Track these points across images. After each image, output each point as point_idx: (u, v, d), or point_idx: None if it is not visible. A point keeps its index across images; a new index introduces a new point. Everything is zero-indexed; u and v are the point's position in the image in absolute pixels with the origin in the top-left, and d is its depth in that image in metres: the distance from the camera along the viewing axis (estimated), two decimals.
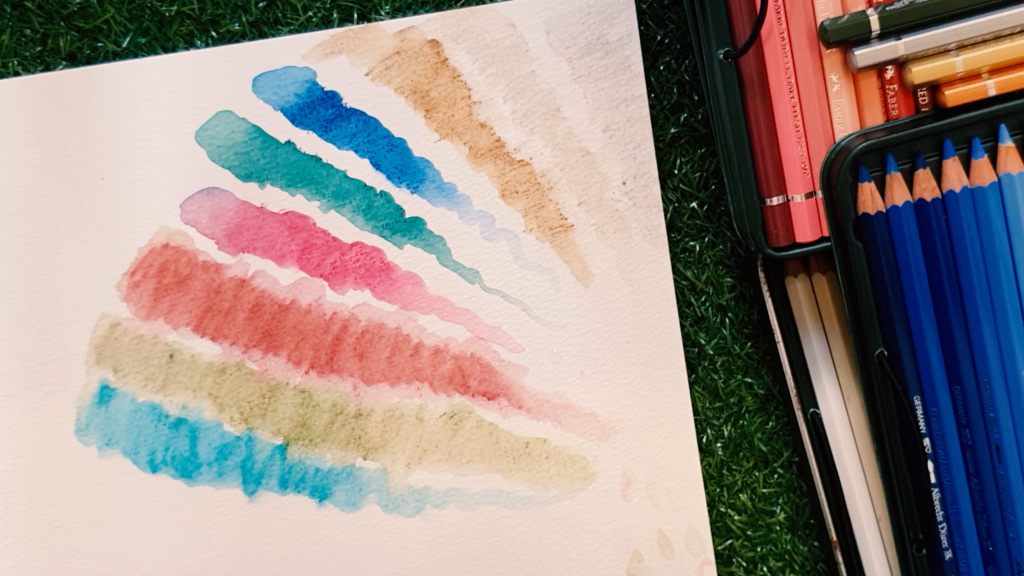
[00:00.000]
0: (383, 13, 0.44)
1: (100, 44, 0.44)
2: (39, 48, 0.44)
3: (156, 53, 0.44)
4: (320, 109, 0.43)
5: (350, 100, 0.43)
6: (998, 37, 0.40)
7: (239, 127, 0.43)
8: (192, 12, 0.44)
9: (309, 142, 0.43)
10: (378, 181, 0.43)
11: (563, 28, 0.43)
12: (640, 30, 0.45)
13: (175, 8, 0.44)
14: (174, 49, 0.44)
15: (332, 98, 0.43)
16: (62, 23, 0.44)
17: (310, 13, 0.44)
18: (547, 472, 0.44)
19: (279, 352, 0.43)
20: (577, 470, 0.44)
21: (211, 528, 0.43)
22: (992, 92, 0.40)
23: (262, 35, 0.44)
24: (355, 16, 0.44)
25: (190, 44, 0.44)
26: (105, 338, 0.43)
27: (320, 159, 0.43)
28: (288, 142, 0.43)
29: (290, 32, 0.44)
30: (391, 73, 0.43)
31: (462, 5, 0.44)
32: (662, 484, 0.44)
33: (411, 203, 0.44)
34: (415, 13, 0.44)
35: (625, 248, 0.44)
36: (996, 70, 0.40)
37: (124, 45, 0.44)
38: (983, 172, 0.40)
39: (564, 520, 0.44)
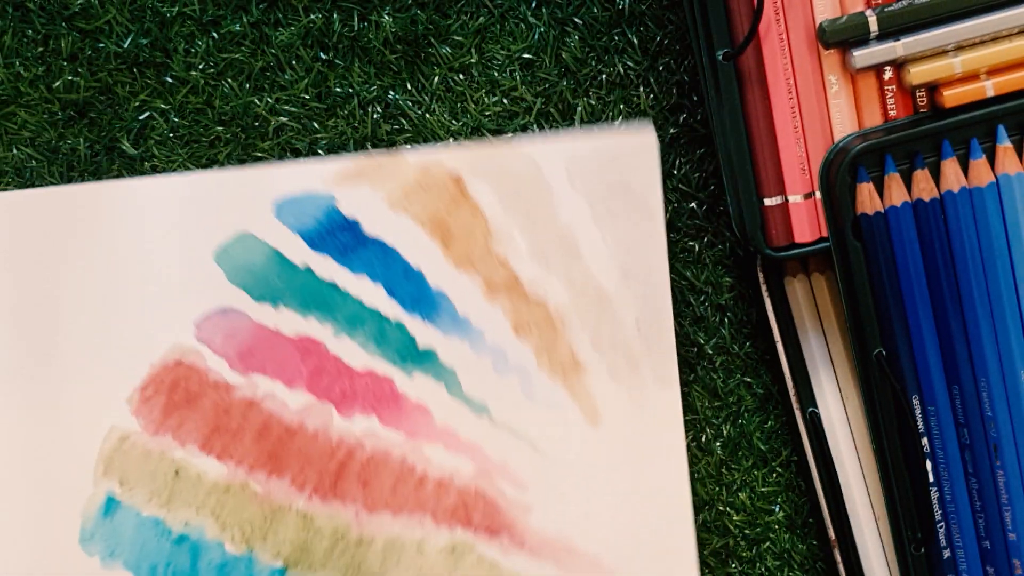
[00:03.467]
0: (384, 15, 0.44)
1: (102, 45, 0.44)
2: (40, 49, 0.44)
3: (157, 56, 0.44)
4: (339, 235, 0.43)
5: (369, 228, 0.43)
6: (996, 38, 0.40)
7: (259, 249, 0.43)
8: (193, 13, 0.44)
9: (326, 267, 0.43)
10: (392, 310, 0.43)
11: (585, 169, 0.43)
12: (639, 30, 0.45)
13: (176, 9, 0.44)
14: (175, 52, 0.44)
15: (352, 225, 0.43)
16: (63, 24, 0.44)
17: (311, 16, 0.44)
18: None
19: (283, 475, 0.43)
20: None
21: None
22: (990, 93, 0.40)
23: (263, 36, 0.44)
24: (355, 17, 0.44)
25: (191, 45, 0.44)
26: (114, 450, 0.43)
27: (336, 285, 0.43)
28: (306, 267, 0.43)
29: (291, 34, 0.44)
30: (411, 203, 0.43)
31: (463, 7, 0.44)
32: None
33: (424, 333, 0.43)
34: (414, 15, 0.44)
35: (636, 390, 0.43)
36: (994, 71, 0.40)
37: (125, 46, 0.44)
38: (981, 173, 0.40)
39: None
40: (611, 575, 0.43)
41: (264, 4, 0.44)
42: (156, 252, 0.43)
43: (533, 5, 0.44)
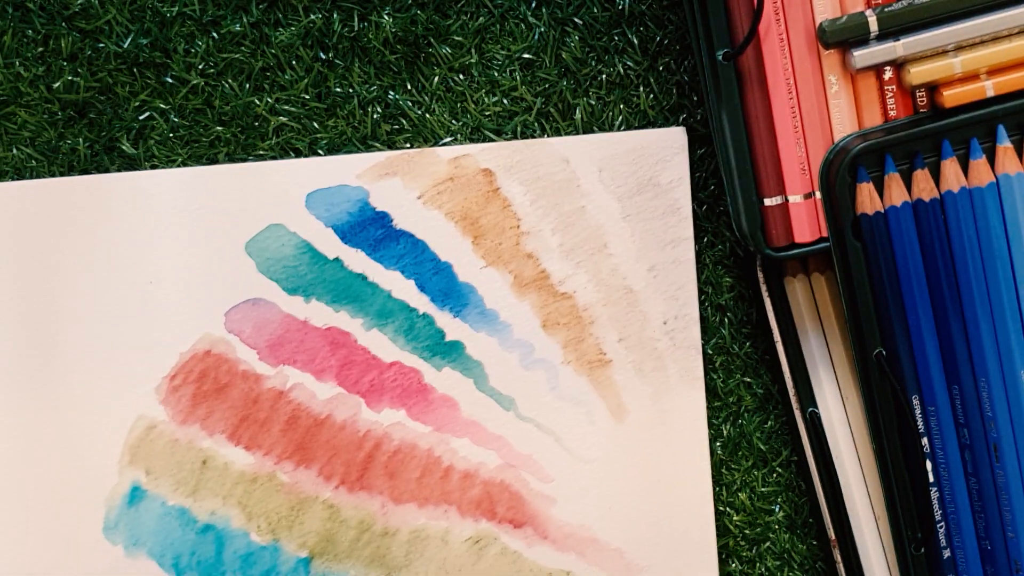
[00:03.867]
0: (384, 14, 0.44)
1: (102, 45, 0.44)
2: (40, 49, 0.44)
3: (157, 56, 0.44)
4: (370, 229, 0.44)
5: (400, 222, 0.44)
6: (996, 38, 0.40)
7: (289, 241, 0.44)
8: (193, 13, 0.44)
9: (357, 260, 0.44)
10: (422, 303, 0.44)
11: (615, 167, 0.44)
12: (639, 31, 0.45)
13: (176, 9, 0.44)
14: (175, 52, 0.44)
15: (383, 219, 0.44)
16: (64, 24, 0.44)
17: (311, 16, 0.44)
18: None
19: (311, 465, 0.44)
20: None
21: None
22: (990, 93, 0.40)
23: (263, 36, 0.44)
24: (355, 17, 0.44)
25: (191, 45, 0.44)
26: (140, 439, 0.43)
27: (366, 278, 0.44)
28: (336, 259, 0.44)
29: (291, 34, 0.44)
30: (443, 198, 0.44)
31: (463, 7, 0.44)
32: None
33: (452, 327, 0.44)
34: (414, 15, 0.44)
35: (661, 388, 0.44)
36: (994, 71, 0.40)
37: (125, 46, 0.44)
38: (981, 173, 0.40)
39: None
40: (633, 568, 0.44)
41: (264, 4, 0.44)
42: (188, 242, 0.43)
43: (533, 5, 0.44)
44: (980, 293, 0.40)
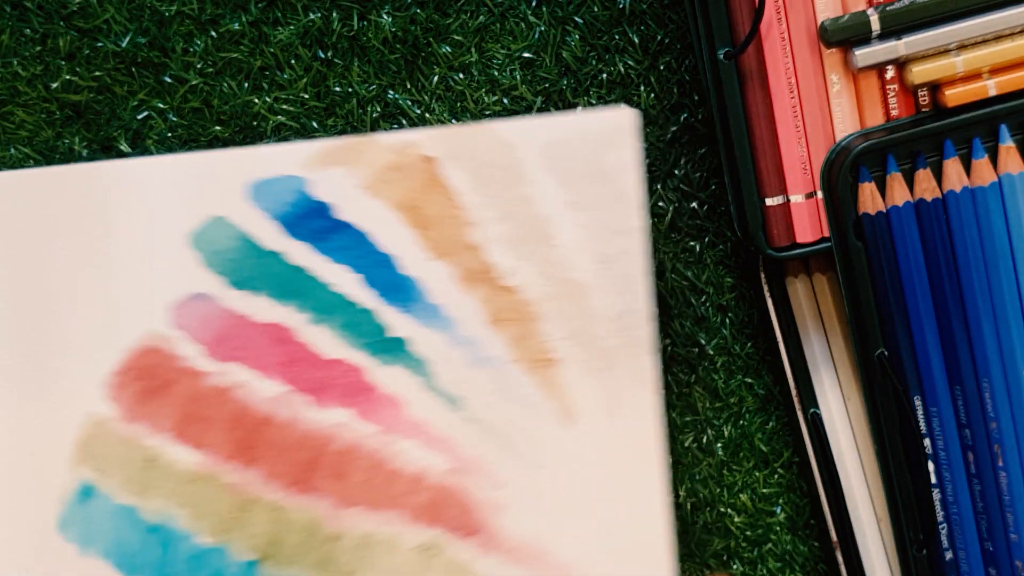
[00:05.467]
0: (384, 14, 0.44)
1: (100, 44, 0.44)
2: (38, 48, 0.44)
3: (155, 55, 0.44)
4: (313, 220, 0.42)
5: (343, 213, 0.42)
6: (998, 37, 0.40)
7: (232, 234, 0.42)
8: (192, 12, 0.44)
9: (300, 253, 0.42)
10: (365, 297, 0.42)
11: (561, 152, 0.41)
12: (640, 29, 0.45)
13: (175, 8, 0.44)
14: (173, 51, 0.44)
15: (325, 209, 0.42)
16: (62, 23, 0.44)
17: (311, 15, 0.44)
18: None
19: (256, 466, 0.42)
20: None
21: None
22: (992, 92, 0.40)
23: (261, 35, 0.44)
24: (355, 16, 0.44)
25: (189, 44, 0.44)
26: (90, 436, 0.42)
27: (309, 271, 0.42)
28: (278, 252, 0.42)
29: (291, 33, 0.44)
30: (387, 187, 0.42)
31: (462, 7, 0.44)
32: None
33: (398, 322, 0.42)
34: (414, 14, 0.44)
35: (612, 389, 0.42)
36: (996, 70, 0.40)
37: (124, 45, 0.44)
38: (983, 172, 0.40)
39: None
40: None
41: (263, 3, 0.44)
42: (131, 235, 0.42)
43: (533, 4, 0.44)
44: (982, 293, 0.40)
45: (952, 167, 0.40)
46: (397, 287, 0.42)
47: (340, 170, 0.42)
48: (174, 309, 0.42)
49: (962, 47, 0.40)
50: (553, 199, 0.41)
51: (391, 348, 0.42)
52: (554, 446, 0.42)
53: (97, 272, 0.42)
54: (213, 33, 0.44)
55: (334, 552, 0.43)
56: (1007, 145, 0.40)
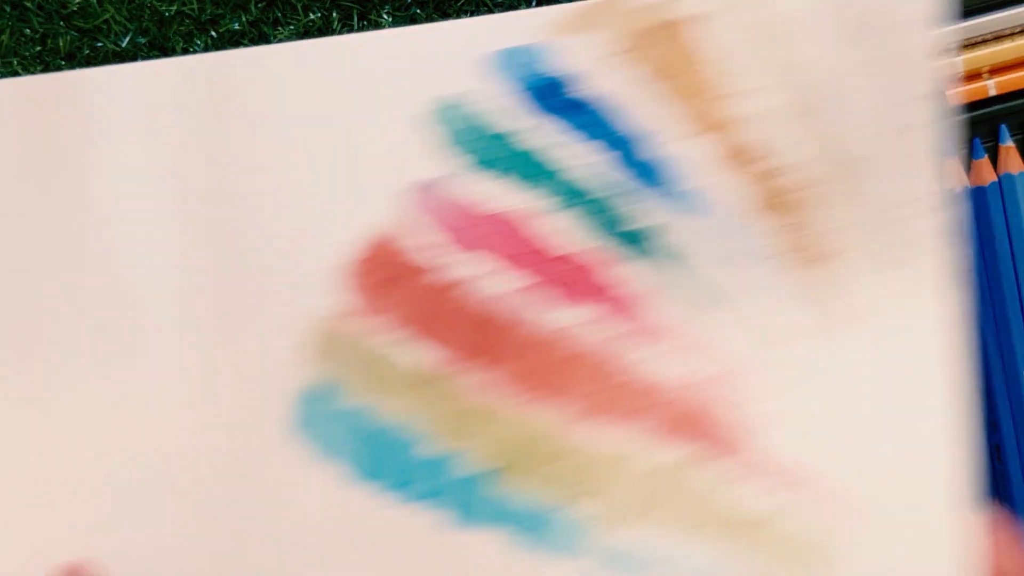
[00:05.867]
0: (384, 14, 0.44)
1: (100, 44, 0.44)
2: (39, 48, 0.44)
3: (155, 55, 0.44)
4: (557, 94, 0.38)
5: (591, 85, 0.38)
6: (998, 37, 0.40)
7: (470, 112, 0.38)
8: (192, 12, 0.44)
9: (543, 131, 0.38)
10: (616, 181, 0.38)
11: (850, 9, 0.36)
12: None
13: (175, 8, 0.44)
14: (173, 51, 0.44)
15: (571, 83, 0.38)
16: (61, 23, 0.44)
17: (311, 15, 0.44)
18: (781, 555, 0.37)
19: (497, 368, 0.39)
20: (818, 553, 0.37)
21: (412, 551, 0.40)
22: (992, 92, 0.40)
23: (261, 35, 0.44)
24: (355, 16, 0.44)
25: (189, 44, 0.44)
26: (324, 333, 0.40)
27: (553, 152, 0.38)
28: (520, 130, 0.38)
29: (291, 33, 0.44)
30: (640, 55, 0.37)
31: (462, 7, 0.44)
32: None
33: (650, 209, 0.38)
34: (414, 13, 0.44)
35: (901, 288, 0.36)
36: (996, 70, 0.40)
37: (124, 45, 0.44)
38: (983, 172, 0.40)
39: None
40: (857, 511, 0.36)
41: (263, 3, 0.44)
42: (360, 115, 0.38)
43: (534, 3, 0.44)
44: (982, 293, 0.40)
45: (952, 167, 0.40)
46: (650, 169, 0.38)
47: (587, 37, 0.37)
48: (410, 195, 0.39)
49: (961, 47, 0.40)
50: (836, 63, 0.36)
51: (642, 239, 0.38)
52: (828, 354, 0.36)
53: (330, 158, 0.39)
54: (213, 33, 0.44)
55: (580, 464, 0.39)
56: (1007, 145, 0.40)
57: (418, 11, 0.44)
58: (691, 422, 0.38)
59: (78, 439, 0.41)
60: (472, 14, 0.44)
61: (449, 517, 0.39)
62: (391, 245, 0.39)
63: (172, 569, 0.41)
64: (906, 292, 0.36)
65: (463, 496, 0.39)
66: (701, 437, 0.38)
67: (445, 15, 0.44)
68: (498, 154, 0.39)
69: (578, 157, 0.38)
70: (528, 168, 0.39)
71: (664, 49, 0.37)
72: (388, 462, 0.40)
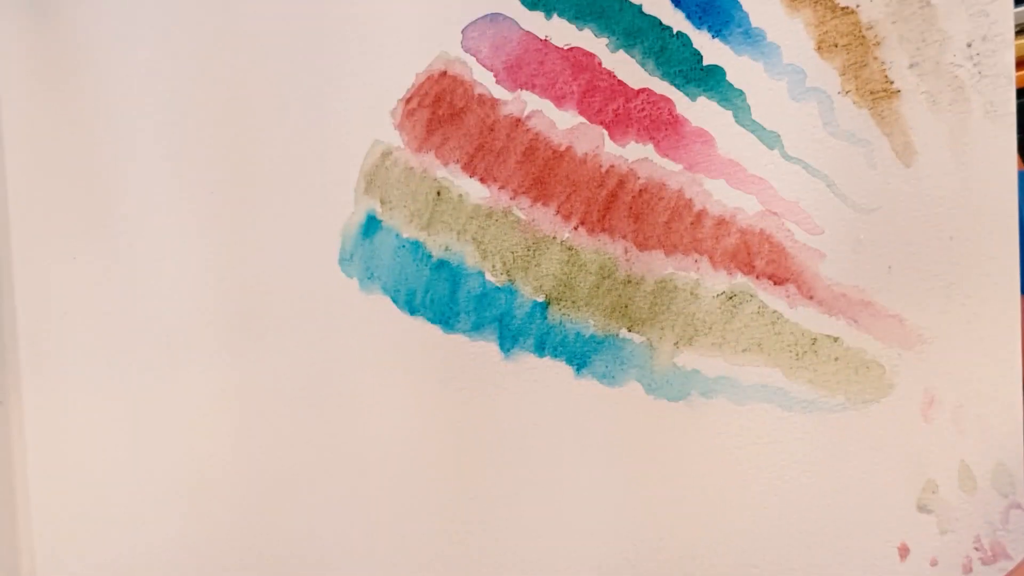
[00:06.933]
0: None
1: None
2: None
3: None
4: None
5: None
6: None
7: None
8: None
9: None
10: (676, 20, 0.38)
11: None
12: None
13: None
14: None
15: None
16: None
17: None
18: (835, 376, 0.38)
19: (549, 202, 0.39)
20: (871, 378, 0.38)
21: (463, 380, 0.40)
22: None
23: None
24: None
25: None
26: (376, 167, 0.40)
27: None
28: None
29: None
30: None
31: None
32: (972, 409, 0.36)
33: (711, 49, 0.37)
34: None
35: (961, 124, 0.35)
36: None
37: None
38: None
39: (848, 432, 0.38)
40: (914, 337, 0.37)
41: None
42: None
43: None
44: None
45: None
46: (711, 8, 0.37)
47: None
48: (466, 31, 0.39)
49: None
50: None
51: (705, 78, 0.38)
52: (887, 188, 0.37)
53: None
54: None
55: (629, 296, 0.39)
56: None
57: None
58: (744, 254, 0.39)
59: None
60: None
61: (496, 349, 0.41)
62: (444, 81, 0.40)
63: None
64: (962, 130, 0.35)
65: (510, 329, 0.40)
66: (755, 268, 0.39)
67: None
68: None
69: None
70: (582, 6, 0.38)
71: None
72: (433, 296, 0.41)
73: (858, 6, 0.35)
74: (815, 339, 0.38)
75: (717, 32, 0.37)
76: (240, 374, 0.41)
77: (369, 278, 0.40)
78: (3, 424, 0.39)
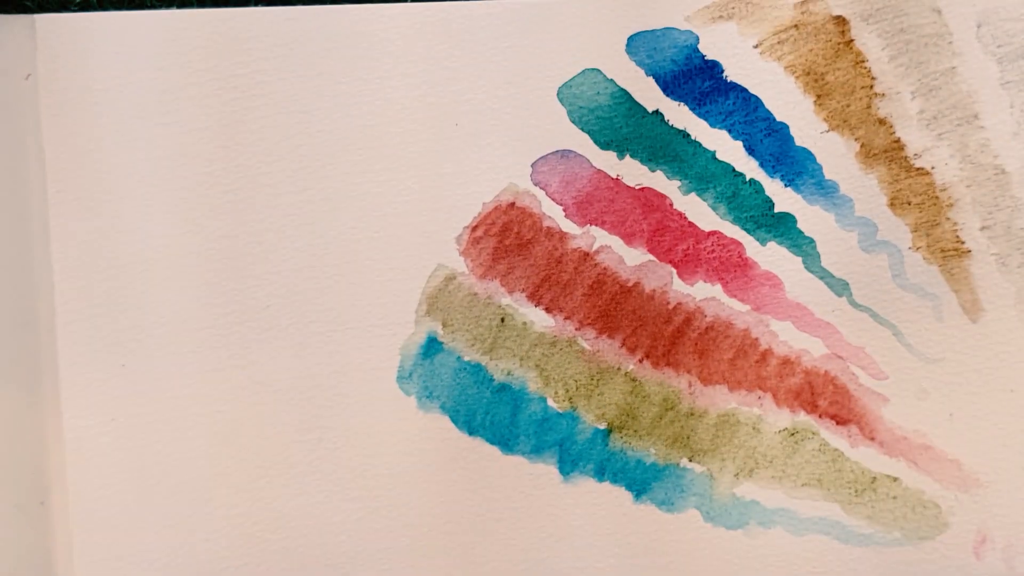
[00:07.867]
0: None
1: None
2: None
3: None
4: (697, 79, 0.39)
5: (732, 73, 0.39)
6: None
7: (605, 89, 0.40)
8: None
9: (679, 115, 0.40)
10: (750, 168, 0.39)
11: (999, 23, 0.37)
12: None
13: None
14: None
15: (712, 69, 0.39)
16: None
17: None
18: (892, 512, 0.40)
19: (614, 335, 0.41)
20: (927, 517, 0.39)
21: (521, 500, 0.41)
22: None
23: None
24: None
25: None
26: (439, 290, 0.41)
27: (688, 135, 0.40)
28: (656, 112, 0.40)
29: None
30: (784, 48, 0.39)
31: None
32: (1022, 547, 0.38)
33: (783, 197, 0.39)
34: None
35: None
36: None
37: None
38: None
39: (902, 566, 0.39)
40: (971, 481, 0.39)
41: (264, 4, 0.42)
42: (496, 83, 0.40)
43: None
44: None
45: None
46: (785, 159, 0.39)
47: (732, 25, 0.39)
48: (536, 165, 0.41)
49: None
50: (983, 75, 0.38)
51: (776, 224, 0.40)
52: (952, 341, 0.39)
53: (458, 120, 0.40)
54: None
55: (692, 428, 0.41)
56: None
57: None
58: (807, 393, 0.40)
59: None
60: None
61: (555, 472, 0.40)
62: (512, 212, 0.41)
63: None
64: None
65: (570, 454, 0.41)
66: (817, 407, 0.40)
67: None
68: (626, 133, 0.40)
69: (710, 143, 0.39)
70: (655, 149, 0.40)
71: (808, 45, 0.38)
72: (493, 419, 0.41)
73: (933, 168, 0.38)
74: (875, 478, 0.39)
75: (790, 181, 0.39)
76: (298, 485, 0.42)
77: (428, 397, 0.41)
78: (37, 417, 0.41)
